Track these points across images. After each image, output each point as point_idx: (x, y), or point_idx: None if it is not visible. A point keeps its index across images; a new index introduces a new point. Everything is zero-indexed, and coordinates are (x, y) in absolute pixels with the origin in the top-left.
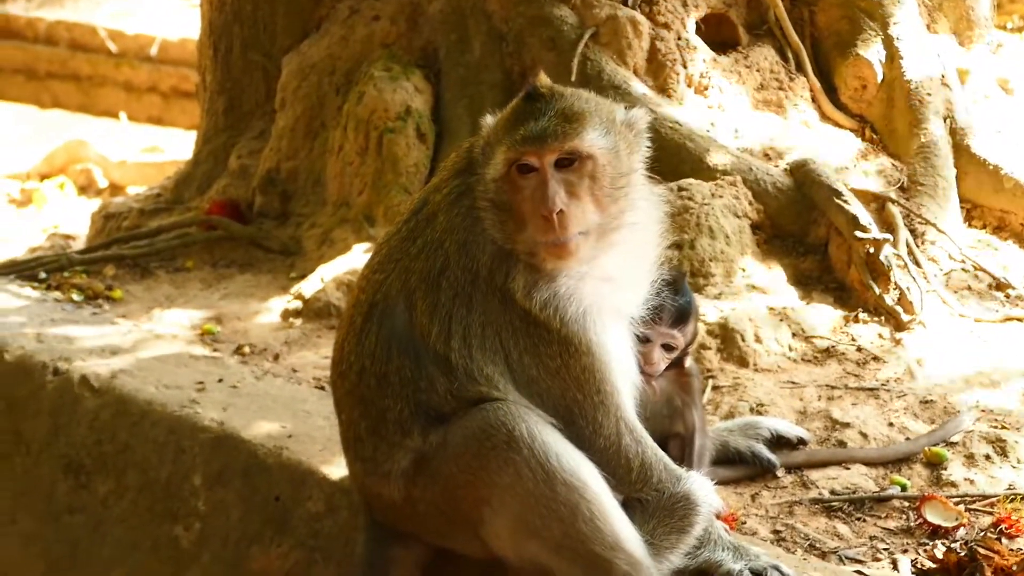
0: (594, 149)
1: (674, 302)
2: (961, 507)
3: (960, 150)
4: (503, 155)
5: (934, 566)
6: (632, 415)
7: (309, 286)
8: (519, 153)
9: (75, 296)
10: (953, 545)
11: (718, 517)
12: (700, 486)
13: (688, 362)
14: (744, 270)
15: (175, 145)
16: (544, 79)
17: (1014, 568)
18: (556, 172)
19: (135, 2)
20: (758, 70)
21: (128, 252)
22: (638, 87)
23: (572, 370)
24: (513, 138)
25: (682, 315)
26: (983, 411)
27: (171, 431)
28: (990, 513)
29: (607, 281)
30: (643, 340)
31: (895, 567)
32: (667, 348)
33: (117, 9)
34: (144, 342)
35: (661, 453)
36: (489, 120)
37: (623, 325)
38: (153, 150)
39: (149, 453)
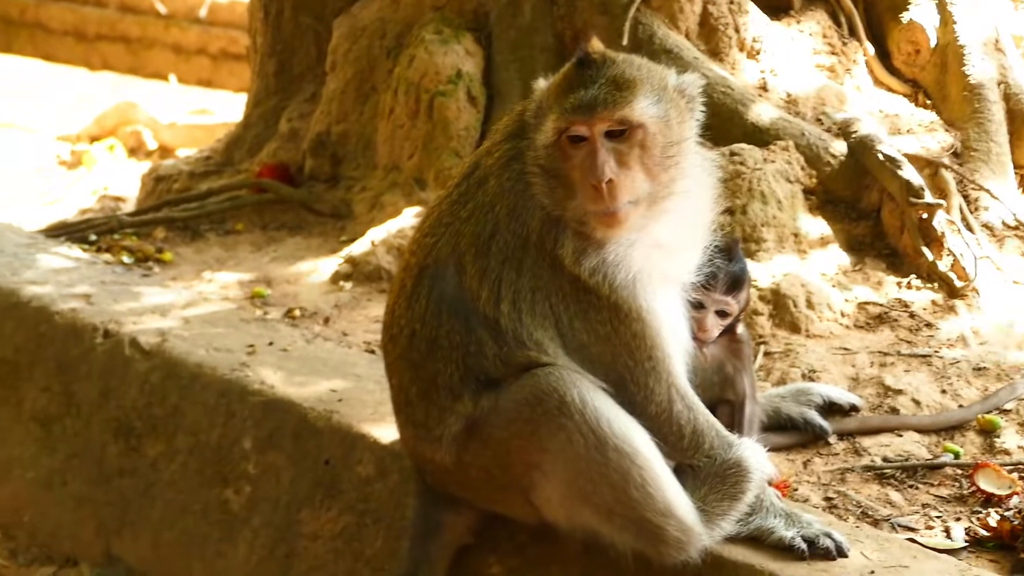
0: (645, 118)
1: (728, 268)
2: (1015, 475)
3: (1014, 115)
4: (553, 123)
5: (987, 534)
6: (684, 381)
7: (359, 249)
8: (568, 122)
9: (125, 258)
10: (1007, 513)
11: (771, 484)
12: (752, 452)
13: (740, 328)
14: (796, 236)
15: (224, 107)
16: (597, 44)
17: None
18: (606, 141)
19: None
20: (811, 35)
21: (178, 214)
22: (690, 51)
23: (623, 336)
24: (563, 106)
25: (736, 281)
26: None
27: (221, 394)
28: None
29: (658, 247)
30: (696, 306)
31: (948, 535)
32: (721, 314)
33: None
34: (194, 305)
35: (713, 419)
36: (541, 84)
37: (675, 291)
38: (202, 112)
39: (199, 416)
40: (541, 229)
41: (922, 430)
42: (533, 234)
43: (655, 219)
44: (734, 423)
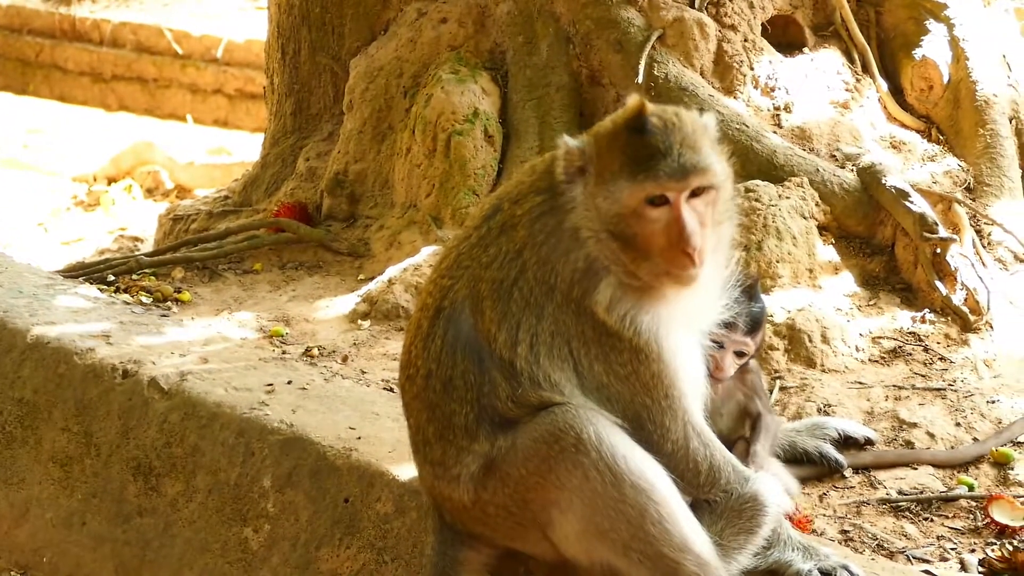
0: (719, 179)
1: (748, 310)
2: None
3: None
4: (635, 191)
5: (1002, 565)
6: (700, 419)
7: (377, 287)
8: (661, 188)
9: (143, 298)
10: (1020, 544)
11: (791, 520)
12: (769, 487)
13: (751, 361)
14: (811, 271)
15: (241, 147)
16: (648, 105)
17: None
18: (685, 204)
19: (201, 3)
20: (824, 71)
21: (196, 254)
22: (705, 89)
23: (642, 376)
24: (649, 174)
25: (755, 323)
26: None
27: (240, 433)
28: None
29: (684, 296)
30: (716, 345)
31: (963, 567)
32: (739, 355)
33: (183, 11)
34: (213, 344)
35: (729, 455)
36: (569, 141)
37: (696, 333)
38: (219, 152)
39: (218, 455)
40: (572, 278)
41: (937, 464)
42: (562, 283)
43: None
44: (753, 438)
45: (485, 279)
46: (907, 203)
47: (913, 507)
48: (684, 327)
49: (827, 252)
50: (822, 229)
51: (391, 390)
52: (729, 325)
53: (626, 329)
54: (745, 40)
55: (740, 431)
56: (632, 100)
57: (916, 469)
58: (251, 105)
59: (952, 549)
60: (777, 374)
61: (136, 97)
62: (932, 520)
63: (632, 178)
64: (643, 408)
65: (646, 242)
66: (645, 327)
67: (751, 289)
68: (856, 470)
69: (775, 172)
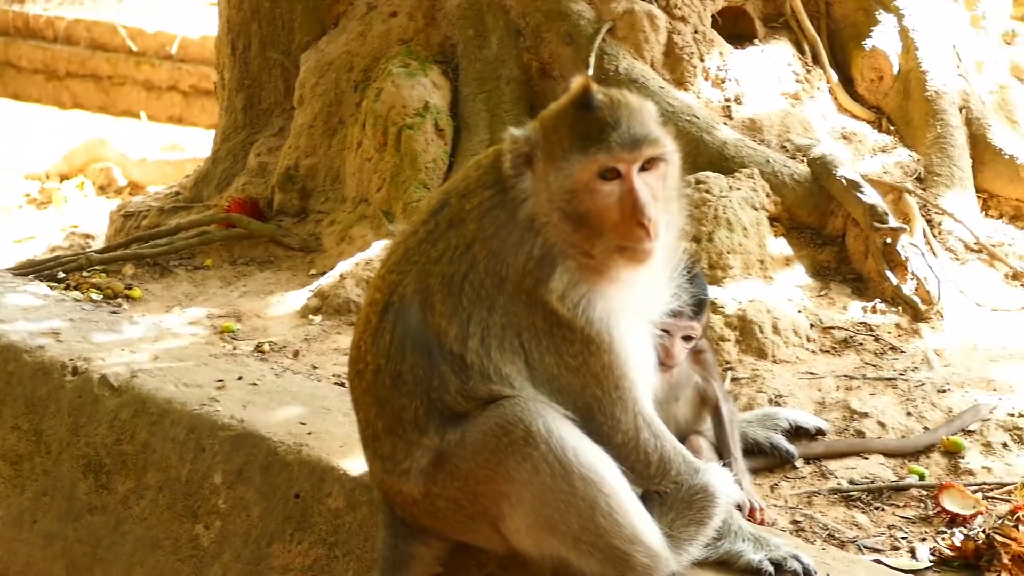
0: (669, 152)
1: (692, 294)
2: (979, 495)
3: (976, 140)
4: (587, 164)
5: (952, 554)
6: (650, 410)
7: (328, 282)
8: (612, 160)
9: (94, 295)
10: (971, 533)
11: (743, 510)
12: (719, 478)
13: (702, 342)
14: (762, 262)
15: (195, 143)
16: (591, 83)
17: None
18: (638, 177)
19: (155, 1)
20: (775, 62)
21: (147, 251)
22: (655, 80)
23: (592, 367)
24: (600, 146)
25: (700, 306)
26: (1000, 399)
27: (191, 429)
28: (1007, 501)
29: (633, 282)
30: (663, 333)
31: (914, 556)
32: (686, 339)
33: (137, 8)
34: (163, 341)
35: (680, 446)
36: (516, 132)
37: (645, 323)
38: (173, 148)
39: (169, 452)
40: (524, 269)
41: (888, 453)
42: (514, 275)
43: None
44: (715, 426)
45: (435, 274)
46: (858, 193)
47: (864, 497)
48: (635, 317)
49: (778, 243)
50: (773, 220)
51: (342, 385)
52: (674, 312)
53: (578, 318)
54: (695, 32)
55: (699, 417)
56: (577, 80)
57: (867, 459)
58: (206, 101)
59: (903, 538)
60: (728, 365)
61: (90, 94)
62: (883, 509)
63: (584, 151)
64: (593, 399)
65: (600, 218)
66: (597, 316)
67: (691, 272)
68: (807, 460)
69: (726, 163)
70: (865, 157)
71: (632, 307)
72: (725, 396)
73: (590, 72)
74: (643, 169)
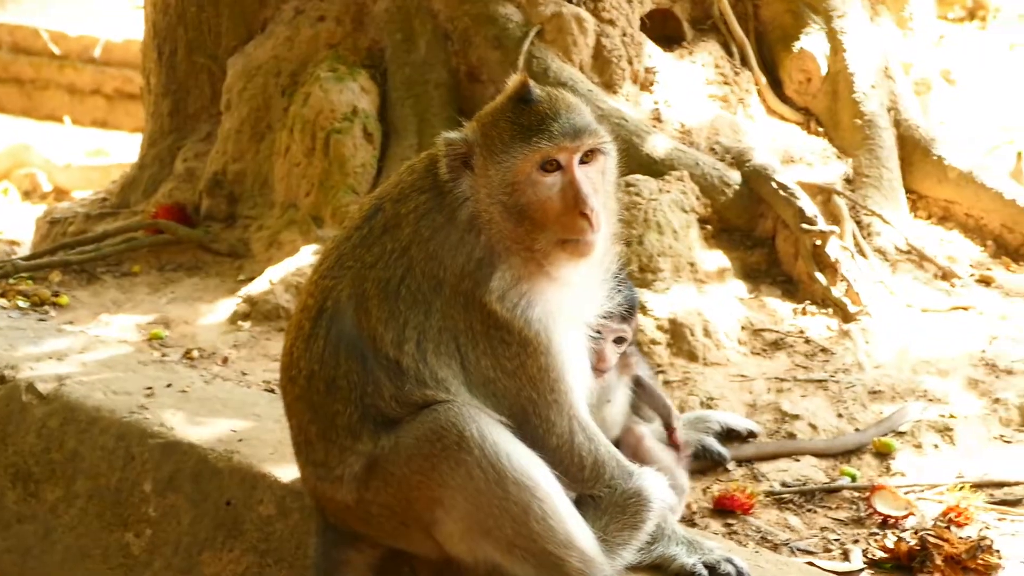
0: (608, 144)
1: (621, 297)
2: (911, 496)
3: (904, 141)
4: (529, 154)
5: (885, 555)
6: (585, 414)
7: (257, 288)
8: (554, 149)
9: (21, 303)
10: (903, 534)
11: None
12: (653, 482)
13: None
14: (692, 265)
15: (120, 148)
16: (530, 80)
17: (963, 556)
18: (579, 169)
19: (79, 4)
20: (703, 65)
21: (74, 257)
22: (584, 84)
23: (529, 370)
24: (542, 135)
25: (631, 308)
26: (931, 400)
27: (120, 437)
28: (939, 502)
29: (571, 285)
30: (594, 338)
31: (846, 558)
32: (617, 342)
33: (60, 12)
34: (91, 348)
35: (614, 450)
36: (456, 134)
37: (580, 327)
38: (98, 153)
39: (98, 460)
40: (462, 271)
41: (819, 454)
42: (451, 277)
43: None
44: (642, 392)
45: (370, 279)
46: (787, 195)
47: (796, 499)
48: (572, 319)
49: (708, 245)
50: (703, 223)
51: (272, 391)
52: (605, 315)
53: (517, 320)
54: (624, 35)
55: (630, 419)
56: (515, 77)
57: (799, 461)
58: (130, 105)
59: (836, 540)
60: (660, 368)
61: (13, 98)
62: (815, 512)
63: (525, 142)
64: (529, 402)
65: (542, 210)
66: (536, 318)
67: (620, 277)
68: (739, 463)
69: (655, 166)
70: (794, 159)
71: (569, 309)
72: (654, 378)
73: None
74: (583, 162)
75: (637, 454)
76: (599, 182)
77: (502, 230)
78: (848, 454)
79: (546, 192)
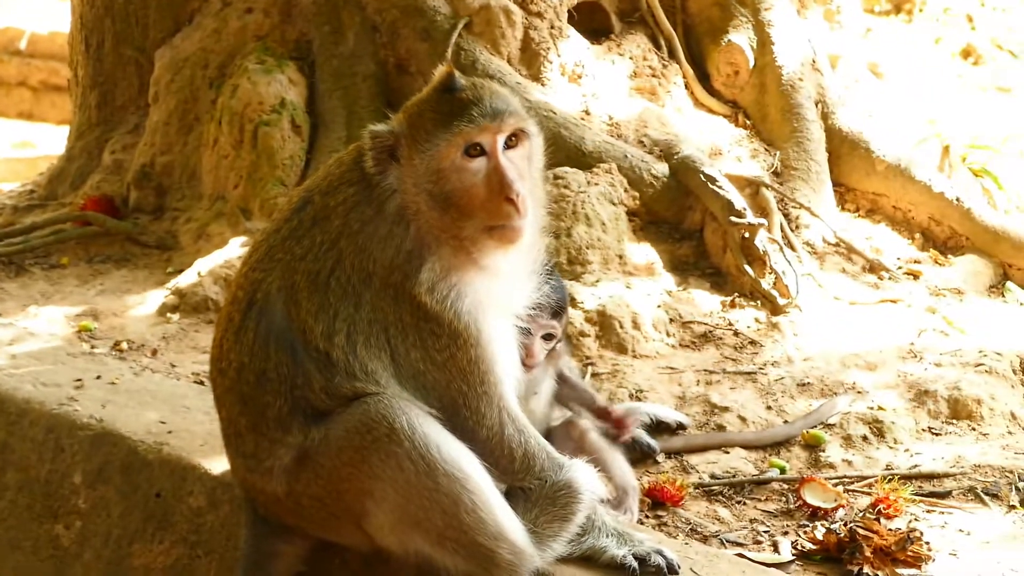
0: (532, 128)
1: (551, 293)
2: (840, 488)
3: (832, 134)
4: (452, 140)
5: (814, 547)
6: (515, 406)
7: (186, 281)
8: (476, 132)
9: None
10: (833, 526)
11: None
12: (583, 474)
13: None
14: (621, 257)
15: (46, 140)
16: (455, 70)
17: (893, 548)
18: (503, 153)
19: None
20: (631, 58)
21: (2, 249)
22: (512, 76)
23: (459, 362)
24: (463, 119)
25: (561, 305)
26: (859, 393)
27: (50, 429)
28: (868, 494)
29: (499, 276)
30: (524, 333)
31: (776, 549)
32: (546, 338)
33: None
34: (20, 340)
35: (544, 442)
36: (378, 127)
37: (509, 320)
38: (24, 145)
39: (28, 452)
40: (392, 263)
41: (748, 446)
42: (381, 269)
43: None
44: (577, 396)
45: (300, 271)
46: (715, 188)
47: (726, 491)
48: (501, 311)
49: (637, 238)
50: (631, 215)
51: (202, 383)
52: (535, 309)
53: (446, 311)
54: (552, 27)
55: (575, 416)
56: (440, 69)
57: (728, 453)
58: (56, 97)
59: (765, 532)
60: (588, 360)
61: None
62: (745, 503)
63: (448, 128)
64: (459, 394)
65: (468, 197)
66: (465, 309)
67: (550, 272)
68: (669, 455)
69: (584, 159)
70: (722, 152)
71: (498, 300)
72: (573, 368)
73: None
74: (508, 147)
75: (582, 448)
76: (525, 168)
77: (429, 220)
78: (777, 446)
79: (471, 179)
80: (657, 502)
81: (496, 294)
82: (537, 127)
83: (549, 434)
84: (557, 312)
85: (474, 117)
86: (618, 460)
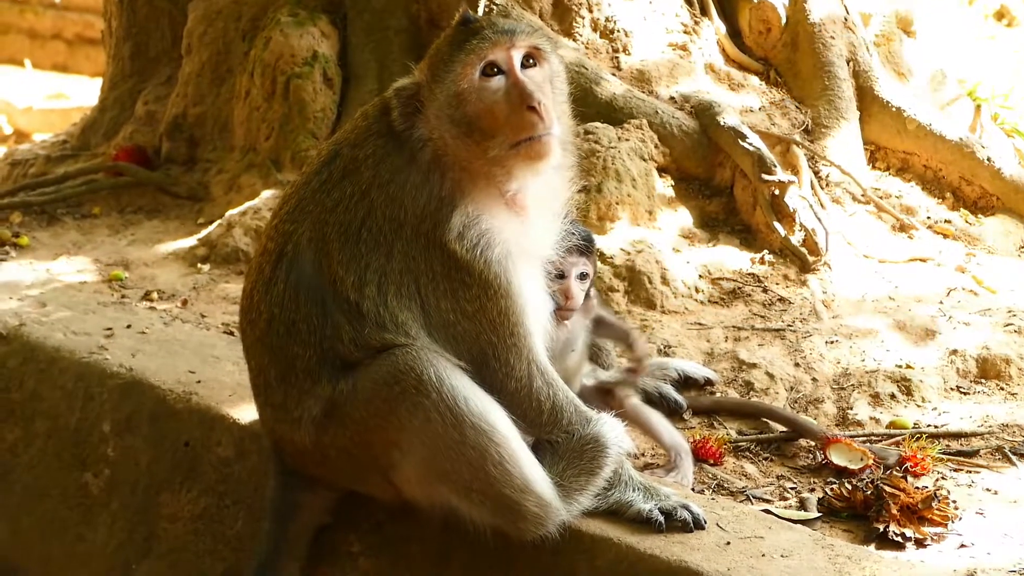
0: (549, 49)
1: (576, 233)
2: (867, 446)
3: (863, 92)
4: (468, 60)
5: (840, 504)
6: (544, 358)
7: (216, 231)
8: (490, 48)
9: None
10: (859, 483)
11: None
12: (610, 428)
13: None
14: (650, 213)
15: (81, 92)
16: (469, 9)
17: (919, 505)
18: (522, 71)
19: None
20: (663, 14)
21: (35, 199)
22: (544, 31)
23: (489, 312)
24: (476, 39)
25: (588, 241)
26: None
27: (80, 378)
28: (896, 452)
29: (529, 224)
30: (559, 276)
31: (802, 506)
32: (581, 278)
33: None
34: (52, 289)
35: (572, 395)
36: (403, 81)
37: (538, 269)
38: (58, 97)
39: (58, 400)
40: (423, 212)
41: (777, 421)
42: (412, 218)
43: (549, 172)
44: (615, 334)
45: (331, 222)
46: (745, 145)
47: (753, 447)
48: (531, 258)
49: (666, 194)
50: (661, 171)
51: (231, 334)
52: (564, 252)
53: (477, 260)
54: None
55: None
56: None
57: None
58: (91, 50)
59: (792, 489)
60: (618, 315)
61: None
62: (772, 460)
63: (462, 49)
64: (489, 346)
65: (491, 116)
66: (495, 259)
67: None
68: (695, 412)
69: (614, 115)
70: (753, 109)
71: (529, 246)
72: (598, 299)
73: None
74: (525, 66)
75: (623, 415)
76: (547, 89)
77: (456, 152)
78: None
79: (491, 96)
80: (697, 459)
81: (526, 239)
82: (552, 42)
83: (580, 391)
84: (586, 250)
85: (487, 36)
86: (663, 423)
